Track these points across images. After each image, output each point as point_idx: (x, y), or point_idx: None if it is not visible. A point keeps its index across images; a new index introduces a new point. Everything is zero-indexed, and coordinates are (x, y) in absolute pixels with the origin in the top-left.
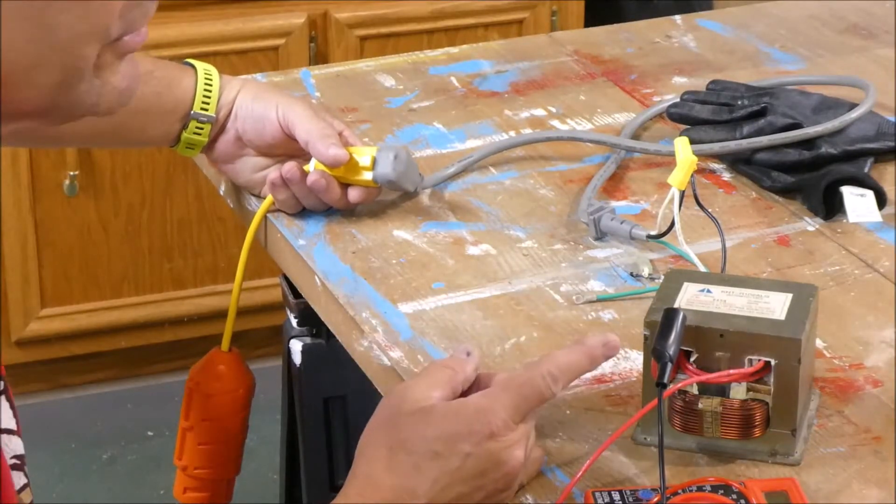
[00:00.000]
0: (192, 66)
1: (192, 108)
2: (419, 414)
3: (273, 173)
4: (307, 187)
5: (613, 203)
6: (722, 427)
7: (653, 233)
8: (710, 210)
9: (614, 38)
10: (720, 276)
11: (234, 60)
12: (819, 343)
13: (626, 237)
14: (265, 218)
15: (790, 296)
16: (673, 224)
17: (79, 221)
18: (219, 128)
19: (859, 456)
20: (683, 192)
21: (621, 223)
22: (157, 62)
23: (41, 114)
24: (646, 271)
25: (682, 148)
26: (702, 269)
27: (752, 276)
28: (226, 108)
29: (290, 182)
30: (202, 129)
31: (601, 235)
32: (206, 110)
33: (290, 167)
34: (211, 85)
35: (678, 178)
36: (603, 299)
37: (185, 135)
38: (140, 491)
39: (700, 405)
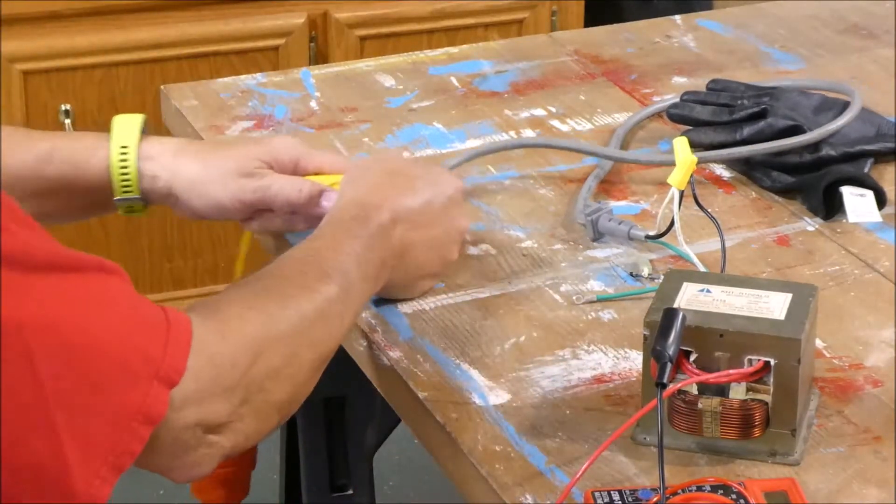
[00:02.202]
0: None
1: (113, 195)
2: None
3: (253, 227)
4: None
5: (613, 203)
6: (722, 427)
7: (651, 233)
8: (709, 210)
9: (614, 38)
10: (720, 276)
11: (234, 60)
12: (819, 343)
13: (624, 238)
14: None
15: (790, 296)
16: (672, 224)
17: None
18: (162, 198)
19: (859, 456)
20: (683, 191)
21: (619, 224)
22: (55, 139)
23: None
24: (646, 271)
25: (682, 148)
26: (701, 268)
27: (751, 276)
28: (158, 180)
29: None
30: (134, 206)
31: (598, 236)
32: (129, 192)
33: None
34: (126, 163)
35: (678, 177)
36: (603, 299)
37: (120, 211)
38: (140, 491)
39: (700, 405)
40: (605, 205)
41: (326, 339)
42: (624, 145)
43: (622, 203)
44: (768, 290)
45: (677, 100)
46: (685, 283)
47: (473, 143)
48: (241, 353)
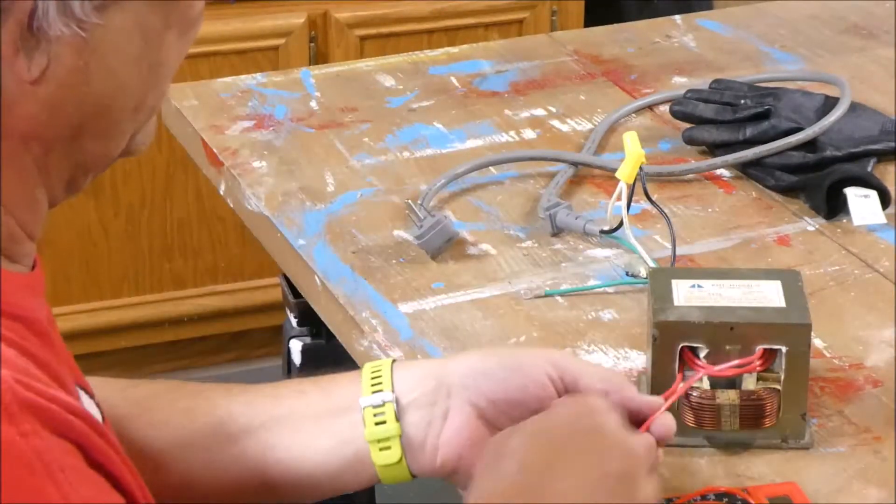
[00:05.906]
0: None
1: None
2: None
3: None
4: None
5: (612, 202)
6: (740, 419)
7: (605, 228)
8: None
9: (614, 38)
10: (703, 270)
11: (234, 60)
12: (819, 343)
13: (581, 232)
14: (266, 217)
15: (778, 283)
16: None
17: (79, 221)
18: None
19: (859, 456)
20: (633, 185)
21: (576, 218)
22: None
23: (107, 161)
24: (642, 271)
25: (632, 142)
26: (651, 263)
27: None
28: (419, 385)
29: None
30: (382, 411)
31: (557, 231)
32: (379, 389)
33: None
34: (379, 369)
35: (625, 171)
36: (550, 294)
37: (367, 431)
38: None
39: (718, 399)
40: (563, 201)
41: None
42: (606, 146)
43: (619, 202)
44: (754, 279)
45: (657, 97)
46: (673, 280)
47: (473, 144)
48: None
